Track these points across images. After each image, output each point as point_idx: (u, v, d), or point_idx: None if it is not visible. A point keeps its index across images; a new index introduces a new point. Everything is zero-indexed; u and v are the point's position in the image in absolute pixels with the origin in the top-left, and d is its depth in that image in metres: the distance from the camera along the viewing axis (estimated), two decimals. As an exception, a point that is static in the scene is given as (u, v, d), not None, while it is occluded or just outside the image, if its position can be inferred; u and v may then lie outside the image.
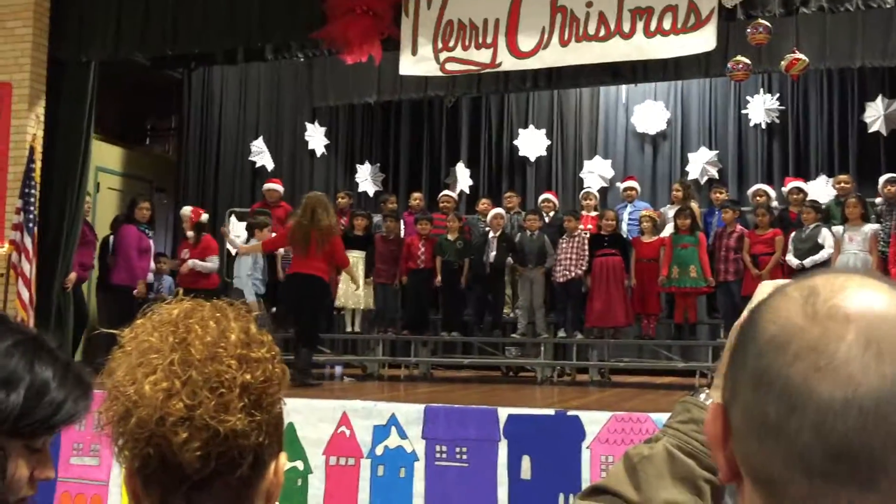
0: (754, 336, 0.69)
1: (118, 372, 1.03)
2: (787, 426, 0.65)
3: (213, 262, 9.02)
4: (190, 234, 9.28)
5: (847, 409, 0.63)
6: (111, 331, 1.09)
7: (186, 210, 9.51)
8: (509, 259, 9.15)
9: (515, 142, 12.08)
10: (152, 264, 9.31)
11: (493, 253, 9.12)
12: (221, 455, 0.98)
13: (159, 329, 1.03)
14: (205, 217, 9.35)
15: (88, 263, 9.10)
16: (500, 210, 9.53)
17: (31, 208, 8.26)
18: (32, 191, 8.30)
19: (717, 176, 11.11)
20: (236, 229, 9.75)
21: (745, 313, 0.74)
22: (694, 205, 9.20)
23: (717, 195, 9.42)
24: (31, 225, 8.23)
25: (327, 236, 7.44)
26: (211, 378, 0.99)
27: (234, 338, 1.03)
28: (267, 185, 10.18)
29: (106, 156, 10.71)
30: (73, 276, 8.56)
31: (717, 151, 11.28)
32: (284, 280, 8.39)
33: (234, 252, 9.90)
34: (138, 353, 1.02)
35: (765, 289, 0.77)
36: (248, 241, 8.89)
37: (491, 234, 9.28)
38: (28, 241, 8.19)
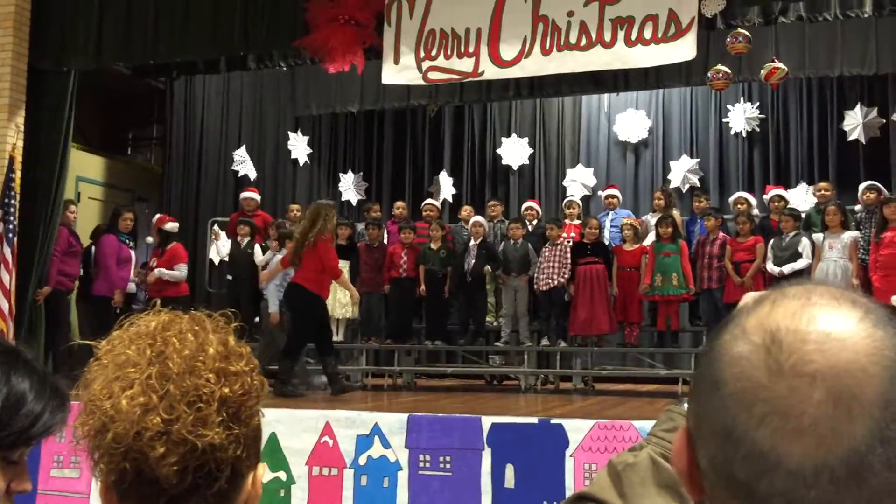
0: (716, 383, 0.66)
1: (94, 385, 1.01)
2: (757, 488, 0.62)
3: (179, 271, 8.97)
4: (149, 239, 9.30)
5: (818, 476, 0.61)
6: (89, 342, 1.07)
7: (155, 217, 9.53)
8: (488, 267, 9.15)
9: (498, 150, 12.11)
10: (132, 274, 9.25)
11: (473, 261, 9.12)
12: (199, 469, 0.97)
13: (136, 342, 1.02)
14: (169, 225, 9.26)
15: (74, 274, 8.98)
16: (479, 218, 9.53)
17: (11, 218, 8.20)
18: (12, 201, 8.24)
19: (698, 184, 11.16)
20: (222, 239, 9.73)
21: (734, 311, 0.72)
22: (675, 213, 9.24)
23: (699, 203, 9.47)
24: (10, 235, 8.16)
25: (310, 246, 7.42)
26: (189, 392, 0.98)
27: (213, 351, 1.02)
28: (244, 194, 10.15)
29: (87, 165, 10.65)
30: (46, 289, 8.44)
31: (699, 159, 11.34)
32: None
33: (216, 260, 9.87)
34: (115, 366, 1.01)
35: (748, 300, 0.77)
36: (278, 248, 8.94)
37: (472, 242, 9.28)
38: (7, 252, 8.11)
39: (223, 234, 9.78)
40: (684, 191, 11.11)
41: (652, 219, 9.23)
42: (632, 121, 11.60)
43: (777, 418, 0.62)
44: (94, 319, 8.77)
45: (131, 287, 9.21)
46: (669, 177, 11.28)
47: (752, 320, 0.67)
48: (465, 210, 10.22)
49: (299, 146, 12.07)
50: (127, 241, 9.11)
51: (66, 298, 8.83)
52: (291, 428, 5.74)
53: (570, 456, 5.28)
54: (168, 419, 0.96)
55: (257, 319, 9.14)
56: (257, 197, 10.09)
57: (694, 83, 9.67)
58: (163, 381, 0.98)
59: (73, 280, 8.99)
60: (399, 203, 10.64)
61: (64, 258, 8.66)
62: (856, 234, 7.99)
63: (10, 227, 8.18)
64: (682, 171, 11.28)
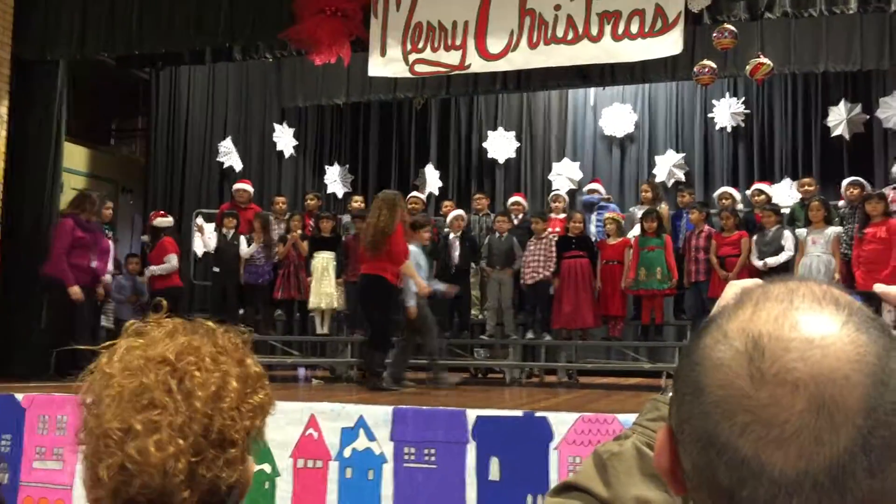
0: (698, 390, 0.65)
1: (107, 414, 0.96)
2: (740, 495, 0.62)
3: (169, 262, 8.96)
4: (144, 238, 9.20)
5: (800, 485, 0.61)
6: (88, 347, 1.04)
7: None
8: (472, 264, 9.16)
9: (484, 144, 12.11)
10: (110, 265, 9.13)
11: (457, 253, 9.12)
12: (212, 494, 0.97)
13: (154, 370, 0.98)
14: (158, 221, 9.20)
15: (104, 270, 8.64)
16: (460, 212, 9.52)
17: (-7, 209, 8.13)
18: (-5, 190, 8.17)
19: (683, 178, 11.21)
20: (207, 231, 9.68)
21: (713, 311, 0.71)
22: (664, 206, 9.27)
23: (683, 198, 9.50)
24: (-8, 224, 8.09)
25: (381, 235, 7.35)
26: (213, 431, 0.96)
27: (235, 384, 0.99)
28: (237, 186, 10.11)
29: (70, 156, 10.54)
30: (75, 288, 7.92)
31: (684, 154, 11.38)
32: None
33: (199, 252, 9.83)
34: (131, 394, 0.96)
35: (732, 289, 0.77)
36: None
37: (451, 236, 9.28)
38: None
39: (208, 227, 9.73)
40: (669, 185, 11.15)
41: (638, 211, 9.26)
42: (618, 115, 11.63)
43: (759, 427, 0.61)
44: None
45: (107, 278, 9.04)
46: (655, 171, 11.32)
47: (734, 324, 0.66)
48: (446, 206, 10.19)
49: (285, 138, 12.03)
50: (106, 231, 9.01)
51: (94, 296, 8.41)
52: (276, 420, 5.68)
53: (555, 449, 5.29)
54: (195, 461, 0.95)
55: (242, 311, 9.13)
56: (250, 189, 10.03)
57: (680, 78, 9.69)
58: (191, 424, 0.95)
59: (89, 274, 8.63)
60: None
61: (82, 252, 8.36)
62: (839, 229, 8.04)
63: (-8, 216, 8.11)
64: (667, 165, 11.32)
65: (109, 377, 0.98)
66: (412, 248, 7.94)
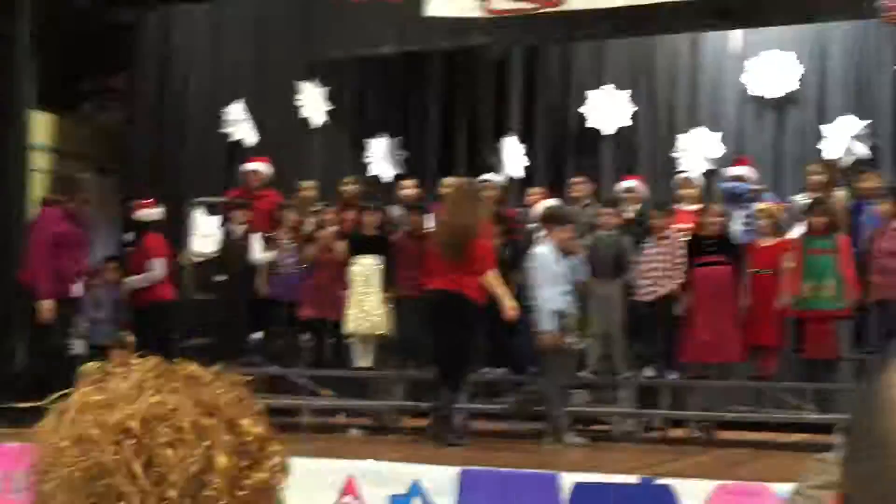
0: (880, 442, 0.67)
1: (54, 500, 0.97)
2: None
3: (155, 269, 9.10)
4: (126, 236, 9.38)
5: None
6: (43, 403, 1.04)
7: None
8: None
9: (582, 109, 12.08)
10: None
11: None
12: None
13: (113, 443, 0.96)
14: (145, 212, 9.36)
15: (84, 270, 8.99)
16: (552, 201, 9.51)
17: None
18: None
19: (866, 156, 11.02)
20: (206, 226, 9.80)
21: None
22: (839, 194, 9.15)
23: (867, 182, 9.36)
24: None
25: (460, 237, 7.45)
26: None
27: (224, 461, 0.98)
28: (248, 166, 10.25)
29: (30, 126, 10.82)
30: (47, 302, 8.27)
31: (870, 121, 11.19)
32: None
33: (195, 256, 10.01)
34: (83, 477, 0.96)
35: None
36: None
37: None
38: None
39: (209, 221, 9.86)
40: (848, 165, 10.97)
41: (802, 201, 9.15)
42: (773, 68, 11.50)
43: None
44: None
45: (78, 289, 9.21)
46: (825, 145, 11.14)
47: None
48: (533, 195, 10.17)
49: (313, 101, 12.14)
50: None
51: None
52: (302, 484, 5.80)
53: (683, 529, 5.29)
54: None
55: (255, 336, 9.24)
56: (265, 169, 10.17)
57: (860, 16, 9.55)
58: None
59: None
60: (448, 180, 10.66)
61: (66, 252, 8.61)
62: None
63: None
64: (844, 137, 11.14)
65: (58, 450, 0.97)
66: (542, 250, 8.01)
